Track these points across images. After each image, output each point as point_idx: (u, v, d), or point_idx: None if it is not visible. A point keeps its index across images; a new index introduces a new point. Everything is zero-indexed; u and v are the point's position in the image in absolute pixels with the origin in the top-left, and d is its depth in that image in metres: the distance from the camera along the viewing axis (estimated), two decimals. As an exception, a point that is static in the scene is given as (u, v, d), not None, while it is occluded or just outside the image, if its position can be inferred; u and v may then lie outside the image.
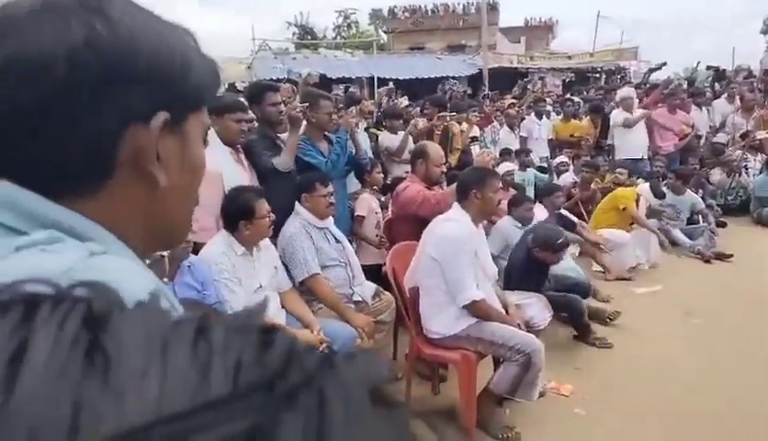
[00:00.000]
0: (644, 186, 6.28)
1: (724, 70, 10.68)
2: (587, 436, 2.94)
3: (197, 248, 2.69)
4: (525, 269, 3.72)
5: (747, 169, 7.75)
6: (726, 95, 9.11)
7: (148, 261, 2.14)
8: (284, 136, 3.38)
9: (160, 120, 0.52)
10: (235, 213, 2.68)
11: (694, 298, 4.81)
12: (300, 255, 3.04)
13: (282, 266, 3.01)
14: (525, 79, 12.61)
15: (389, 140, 5.14)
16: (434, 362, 3.27)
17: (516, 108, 8.02)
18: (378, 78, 15.72)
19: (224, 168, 2.99)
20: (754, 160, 7.81)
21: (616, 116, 7.48)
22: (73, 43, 0.48)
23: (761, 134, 7.98)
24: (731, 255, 5.82)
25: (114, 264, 0.48)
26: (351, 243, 3.69)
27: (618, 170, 6.51)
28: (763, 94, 9.00)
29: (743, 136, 8.17)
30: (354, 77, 15.38)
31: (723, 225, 6.91)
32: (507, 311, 3.13)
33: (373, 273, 3.52)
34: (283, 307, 2.92)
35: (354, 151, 3.90)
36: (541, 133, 7.72)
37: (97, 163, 0.52)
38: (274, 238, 3.09)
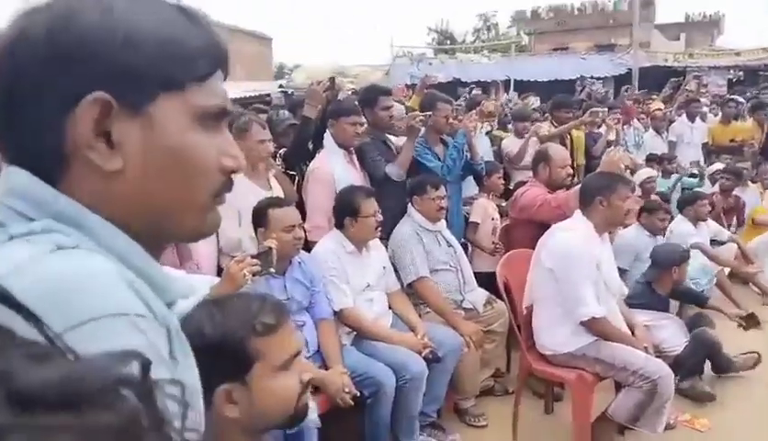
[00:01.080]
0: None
1: None
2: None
3: (310, 246, 2.79)
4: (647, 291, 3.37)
5: None
6: None
7: (251, 252, 2.26)
8: (396, 140, 3.39)
9: (89, 102, 0.50)
10: (342, 210, 2.75)
11: None
12: (409, 257, 3.02)
13: (391, 267, 3.01)
14: (679, 78, 11.45)
15: (513, 144, 4.94)
16: (550, 380, 3.07)
17: (664, 110, 7.32)
18: (515, 80, 15.29)
19: (337, 170, 3.07)
20: None
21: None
22: (12, 35, 0.49)
23: None
24: None
25: (62, 262, 0.48)
26: (466, 250, 3.60)
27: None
28: None
29: None
30: (489, 80, 15.11)
31: None
32: (634, 333, 2.84)
33: (487, 281, 3.39)
34: (390, 308, 2.92)
35: (470, 155, 3.80)
36: (693, 137, 6.94)
37: (49, 152, 0.51)
38: (386, 240, 3.11)
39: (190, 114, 0.55)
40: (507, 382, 3.36)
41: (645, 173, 5.18)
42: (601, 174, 3.11)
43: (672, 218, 4.48)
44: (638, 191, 4.52)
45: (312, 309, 2.58)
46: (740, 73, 15.68)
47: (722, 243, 4.66)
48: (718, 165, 6.32)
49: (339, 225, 2.78)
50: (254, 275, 1.96)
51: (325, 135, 3.21)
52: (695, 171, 6.41)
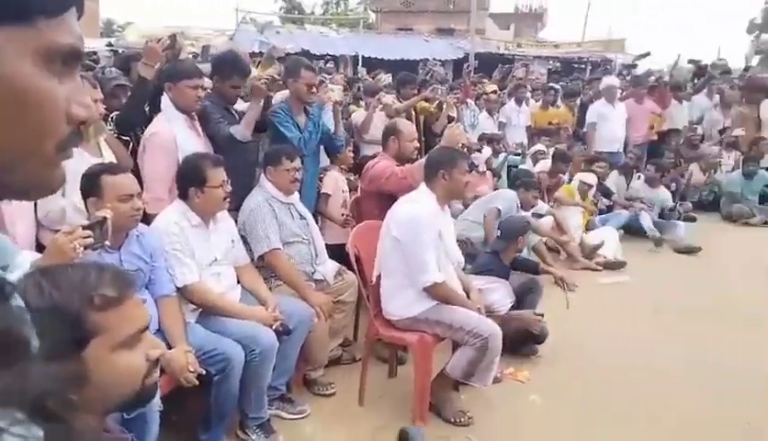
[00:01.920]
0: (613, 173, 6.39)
1: (706, 65, 10.69)
2: (539, 424, 2.93)
3: (149, 219, 2.59)
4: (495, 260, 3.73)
5: (720, 166, 7.81)
6: (705, 90, 9.15)
7: (86, 221, 2.04)
8: (240, 106, 3.27)
9: None
10: (186, 180, 2.58)
11: (662, 290, 4.84)
12: (261, 229, 2.96)
13: (240, 241, 2.92)
14: (508, 65, 12.51)
15: (362, 117, 5.05)
16: (394, 345, 3.23)
17: (498, 93, 7.98)
18: (363, 57, 15.51)
19: (179, 136, 2.88)
20: (728, 157, 7.87)
21: (595, 108, 7.48)
22: None
23: (737, 131, 8.04)
24: (700, 249, 5.87)
25: None
26: (317, 221, 3.61)
27: (597, 164, 6.52)
28: (743, 91, 9.03)
29: (721, 132, 8.22)
30: (338, 55, 15.15)
31: (693, 220, 6.97)
32: (469, 296, 3.09)
33: (337, 252, 3.45)
34: (239, 282, 2.84)
35: (333, 129, 3.79)
36: (519, 120, 7.67)
37: None
38: (235, 211, 3.00)
39: (37, 52, 0.48)
40: (355, 350, 3.48)
41: (487, 152, 5.65)
42: (443, 148, 3.29)
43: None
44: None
45: (152, 285, 2.41)
46: (558, 63, 17.53)
47: (541, 216, 5.26)
48: (540, 146, 7.07)
49: (183, 196, 2.61)
50: (85, 248, 1.77)
51: (162, 99, 2.97)
52: (519, 151, 7.13)
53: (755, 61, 20.90)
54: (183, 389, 2.24)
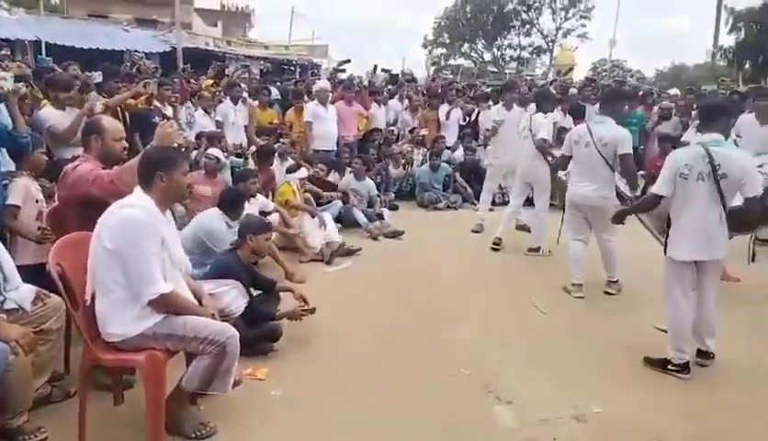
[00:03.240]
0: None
1: (397, 74, 12.31)
2: (284, 416, 2.99)
3: None
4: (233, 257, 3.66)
5: (413, 160, 9.08)
6: (398, 95, 10.55)
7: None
8: None
9: None
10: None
11: (378, 272, 5.42)
12: None
13: None
14: (223, 63, 12.32)
15: (53, 116, 4.34)
16: (118, 369, 2.89)
17: (216, 91, 7.79)
18: (48, 43, 13.38)
19: None
20: (418, 153, 9.19)
21: (310, 109, 7.92)
22: None
23: (423, 131, 9.45)
24: (403, 233, 6.73)
25: None
26: (4, 241, 2.99)
27: (319, 165, 6.93)
28: (426, 96, 10.66)
29: (411, 131, 9.56)
30: (14, 39, 12.76)
31: (395, 208, 7.97)
32: (201, 302, 2.95)
33: (35, 274, 2.91)
34: None
35: (12, 124, 3.14)
36: (237, 119, 7.63)
37: None
38: None
39: None
40: (67, 384, 3.01)
41: (214, 152, 5.48)
42: (158, 148, 3.04)
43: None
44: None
45: None
46: (269, 64, 17.94)
47: (268, 214, 5.34)
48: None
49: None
50: None
51: None
52: (239, 152, 7.12)
53: (432, 70, 24.91)
54: None
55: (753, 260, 5.04)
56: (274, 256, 4.74)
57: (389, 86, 11.55)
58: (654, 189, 3.52)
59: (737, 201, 3.45)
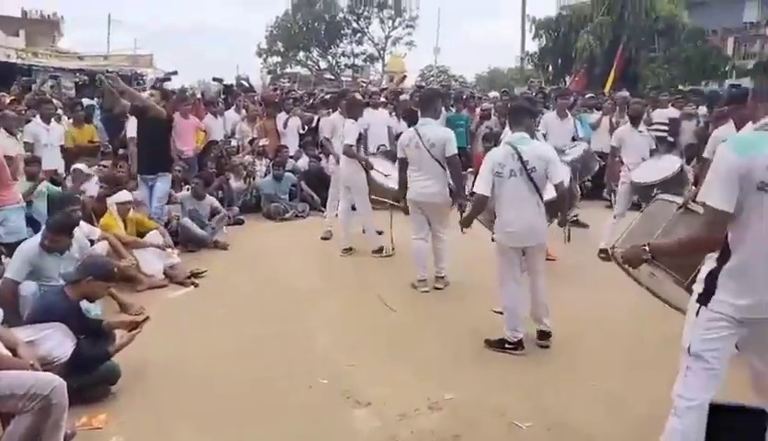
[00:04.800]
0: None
1: (231, 84, 11.91)
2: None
3: None
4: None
5: (255, 172, 8.87)
6: (235, 105, 10.20)
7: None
8: None
9: None
10: None
11: (227, 289, 5.20)
12: None
13: None
14: (29, 77, 10.96)
15: None
16: None
17: (19, 109, 6.89)
18: None
19: None
20: (260, 164, 8.99)
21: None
22: None
23: (263, 141, 9.26)
24: (227, 247, 6.56)
25: None
26: None
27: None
28: (264, 106, 10.44)
29: (251, 142, 9.31)
30: None
31: (241, 223, 7.73)
32: (16, 352, 2.59)
33: None
34: None
35: None
36: (51, 139, 6.83)
37: None
38: None
39: None
40: None
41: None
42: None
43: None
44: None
45: None
46: (86, 77, 16.35)
47: (93, 242, 4.85)
48: (81, 166, 6.48)
49: None
50: None
51: None
52: (54, 177, 6.41)
53: (268, 79, 24.57)
54: None
55: (569, 240, 5.75)
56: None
57: (223, 96, 11.15)
58: (475, 189, 3.83)
59: (552, 193, 3.89)
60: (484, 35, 68.77)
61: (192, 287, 5.28)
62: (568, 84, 18.50)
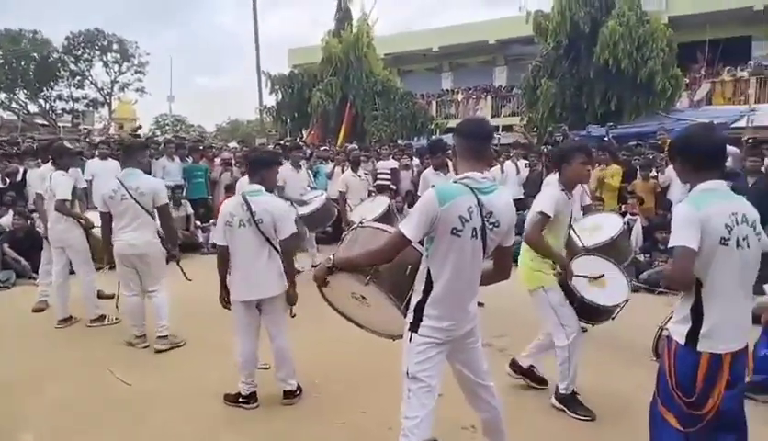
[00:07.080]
0: None
1: None
2: None
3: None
4: None
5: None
6: None
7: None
8: None
9: None
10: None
11: None
12: None
13: None
14: None
15: None
16: None
17: None
18: None
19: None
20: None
21: None
22: None
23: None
24: None
25: None
26: None
27: None
28: None
29: None
30: None
31: None
32: None
33: None
34: None
35: None
36: None
37: None
38: None
39: None
40: None
41: None
42: None
43: None
44: None
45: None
46: None
47: None
48: None
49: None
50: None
51: None
52: None
53: None
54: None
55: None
56: None
57: None
58: (214, 239, 3.74)
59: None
60: (221, 86, 68.85)
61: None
62: (305, 136, 19.59)
